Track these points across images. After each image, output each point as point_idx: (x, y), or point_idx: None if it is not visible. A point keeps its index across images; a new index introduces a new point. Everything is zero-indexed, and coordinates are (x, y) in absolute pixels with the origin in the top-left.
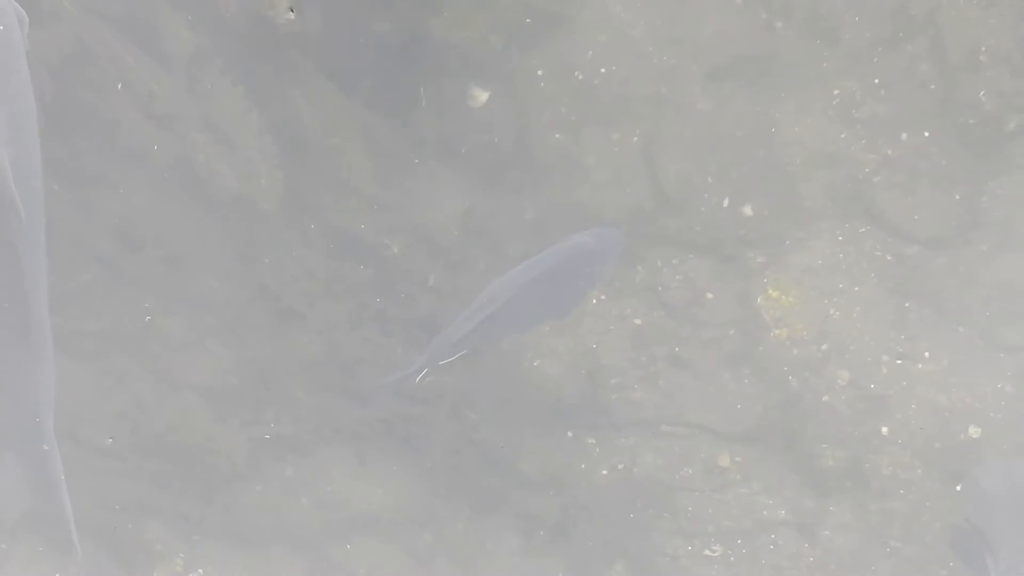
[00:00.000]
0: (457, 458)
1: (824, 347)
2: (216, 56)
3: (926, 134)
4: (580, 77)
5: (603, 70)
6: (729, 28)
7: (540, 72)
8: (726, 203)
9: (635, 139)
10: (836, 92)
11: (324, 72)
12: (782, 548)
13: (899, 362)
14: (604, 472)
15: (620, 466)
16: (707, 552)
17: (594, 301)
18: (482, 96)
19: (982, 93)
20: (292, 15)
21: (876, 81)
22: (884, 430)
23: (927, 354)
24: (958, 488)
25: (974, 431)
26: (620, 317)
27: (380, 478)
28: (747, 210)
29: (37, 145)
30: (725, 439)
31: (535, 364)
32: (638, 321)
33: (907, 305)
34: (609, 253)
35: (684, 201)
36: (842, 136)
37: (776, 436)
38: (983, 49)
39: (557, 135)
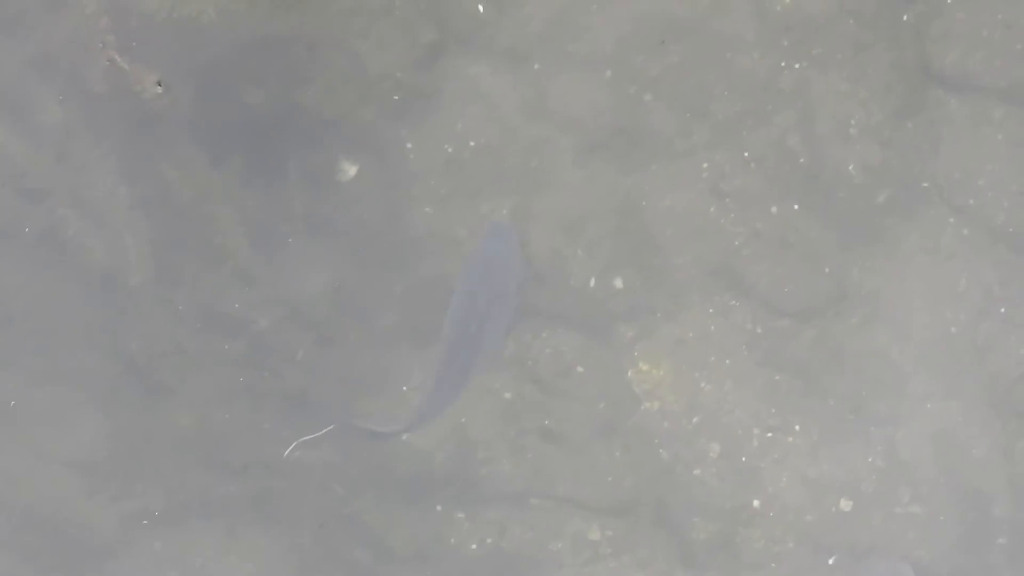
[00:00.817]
0: (326, 532)
1: (695, 420)
2: (85, 131)
3: (796, 207)
4: (449, 150)
5: (472, 143)
6: (599, 101)
7: (409, 145)
8: (594, 278)
9: (505, 211)
10: (705, 165)
11: (194, 145)
12: None
13: (770, 435)
14: (473, 546)
15: (488, 540)
16: None
17: None
18: (351, 170)
19: (851, 166)
20: (160, 89)
21: (745, 154)
22: (755, 503)
23: (798, 427)
24: (830, 561)
25: (845, 504)
26: (489, 391)
27: (250, 552)
28: (618, 283)
29: None
30: (595, 512)
31: (404, 438)
32: (507, 395)
33: (777, 378)
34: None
35: (554, 274)
36: (712, 209)
37: (647, 509)
38: (852, 122)
39: (427, 208)
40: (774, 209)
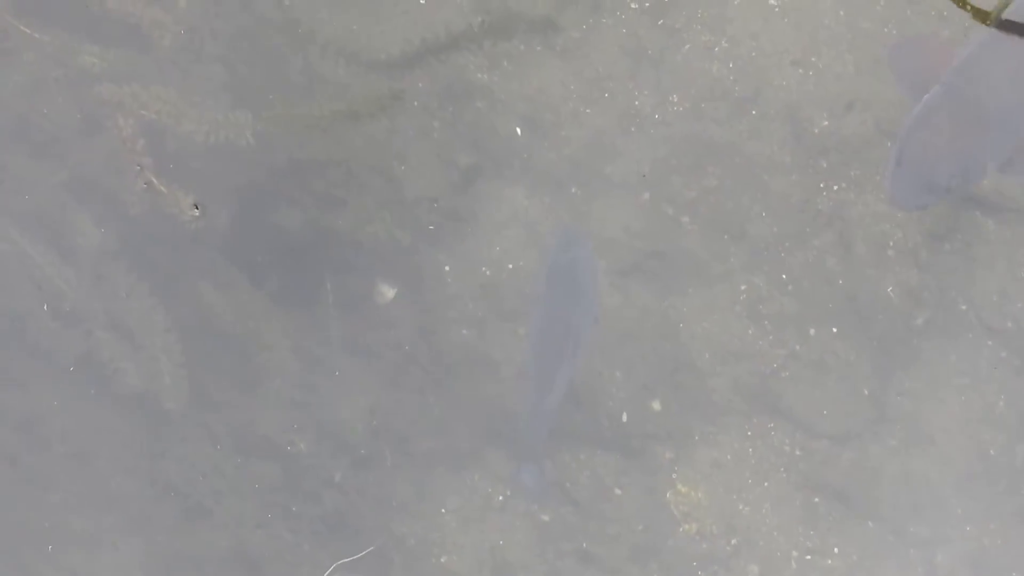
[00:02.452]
0: None
1: (733, 542)
2: (122, 253)
3: (834, 329)
4: (487, 273)
5: (510, 266)
6: (635, 224)
7: (447, 268)
8: (632, 401)
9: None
10: (743, 288)
11: (230, 267)
12: None
13: (808, 557)
14: None
15: None
16: None
17: (500, 498)
18: (389, 293)
19: (890, 288)
20: (196, 212)
21: (783, 276)
22: None
23: (836, 549)
24: None
25: None
26: (527, 514)
27: None
28: (655, 405)
29: None
30: None
31: (441, 560)
32: (545, 517)
33: (816, 500)
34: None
35: (591, 396)
36: (749, 332)
37: None
38: (890, 244)
39: (464, 331)
40: (812, 331)
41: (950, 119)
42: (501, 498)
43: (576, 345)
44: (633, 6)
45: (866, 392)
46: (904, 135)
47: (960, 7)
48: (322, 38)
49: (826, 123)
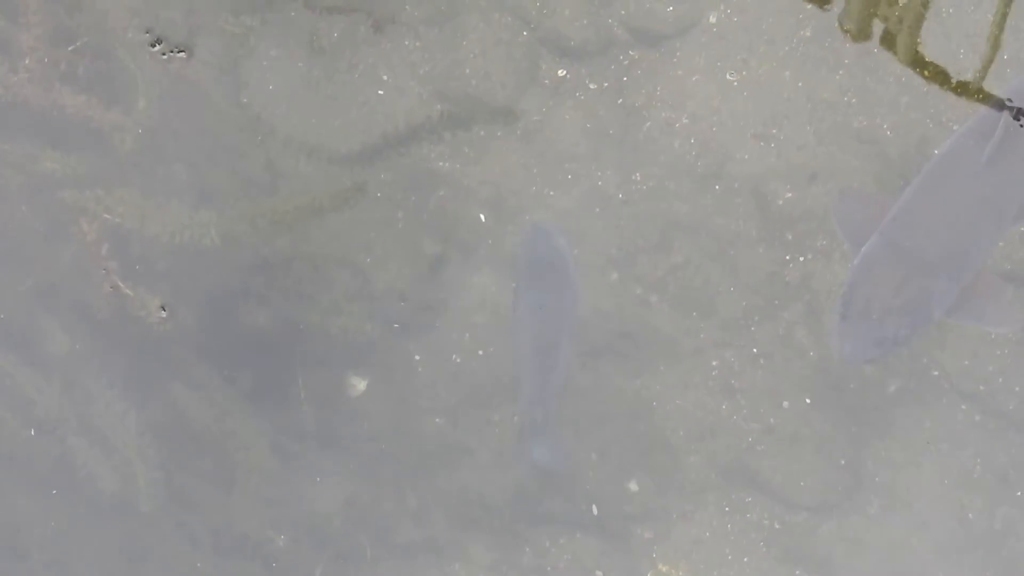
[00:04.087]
0: None
1: None
2: (91, 358)
3: (807, 400)
4: (458, 360)
5: (480, 352)
6: (604, 305)
7: (417, 357)
8: (608, 482)
9: (515, 419)
10: (715, 363)
11: (201, 367)
12: None
13: None
14: None
15: None
16: None
17: None
18: (360, 385)
19: None
20: (164, 313)
21: (754, 350)
22: None
23: None
24: None
25: None
26: None
27: None
28: (632, 485)
29: None
30: None
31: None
32: None
33: (797, 573)
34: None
35: (568, 479)
36: (723, 407)
37: None
38: None
39: (437, 419)
40: (786, 404)
41: (891, 269)
42: None
43: (571, 324)
44: (592, 86)
45: (843, 462)
46: (847, 289)
47: (918, 73)
48: (282, 134)
49: (790, 195)
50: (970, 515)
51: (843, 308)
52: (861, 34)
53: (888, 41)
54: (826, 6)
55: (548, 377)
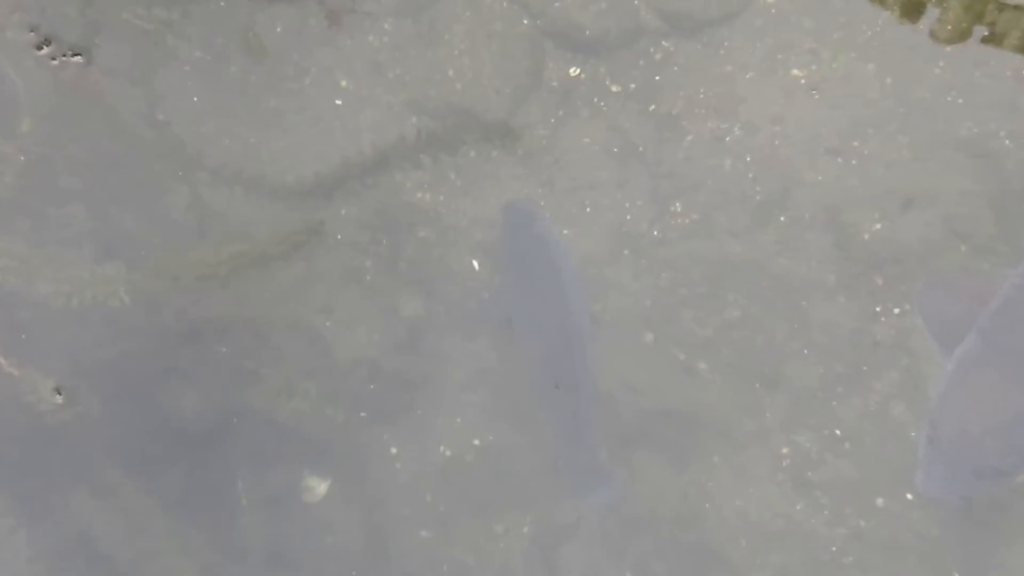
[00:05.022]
0: None
1: None
2: None
3: (908, 496)
4: (447, 453)
5: (476, 441)
6: (637, 377)
7: (394, 450)
8: None
9: (526, 529)
10: (785, 451)
11: (110, 469)
12: None
13: None
14: None
15: None
16: None
17: None
18: (320, 487)
19: None
20: (60, 398)
21: (837, 432)
22: None
23: None
24: None
25: None
26: None
27: None
28: None
29: None
30: None
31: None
32: None
33: None
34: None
35: None
36: (797, 507)
37: None
38: None
39: (423, 532)
40: (880, 502)
41: (992, 378)
42: None
43: (580, 336)
44: (614, 89)
45: (956, 575)
46: (936, 404)
47: None
48: (212, 160)
49: (878, 226)
50: None
51: (931, 429)
52: (960, 39)
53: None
54: None
55: (573, 413)
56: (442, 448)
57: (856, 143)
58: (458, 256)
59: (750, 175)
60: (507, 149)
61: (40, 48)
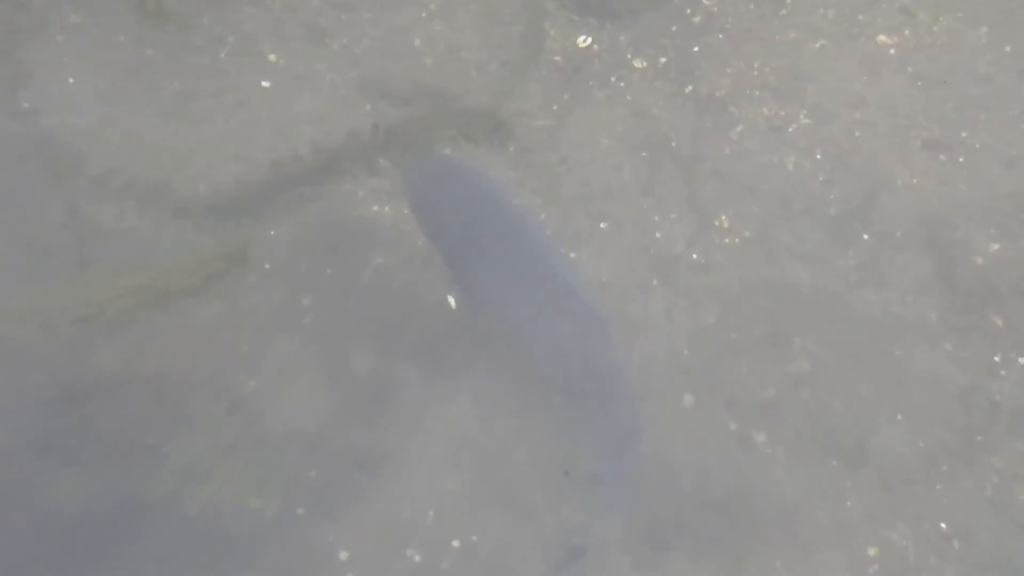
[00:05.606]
0: None
1: None
2: None
3: None
4: (417, 558)
5: (457, 542)
6: (674, 452)
7: (344, 555)
8: None
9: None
10: (872, 552)
11: None
12: None
13: None
14: None
15: None
16: None
17: None
18: None
19: None
20: None
21: (942, 526)
22: None
23: None
24: None
25: None
26: None
27: None
28: None
29: None
30: None
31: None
32: None
33: None
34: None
35: None
36: None
37: None
38: None
39: None
40: None
41: None
42: None
43: (591, 314)
44: (638, 65)
45: None
46: None
47: None
48: (96, 164)
49: (995, 247)
50: None
51: None
52: None
53: None
54: None
55: (608, 412)
56: (409, 552)
57: (964, 134)
58: (428, 289)
59: (821, 177)
60: (495, 146)
61: None
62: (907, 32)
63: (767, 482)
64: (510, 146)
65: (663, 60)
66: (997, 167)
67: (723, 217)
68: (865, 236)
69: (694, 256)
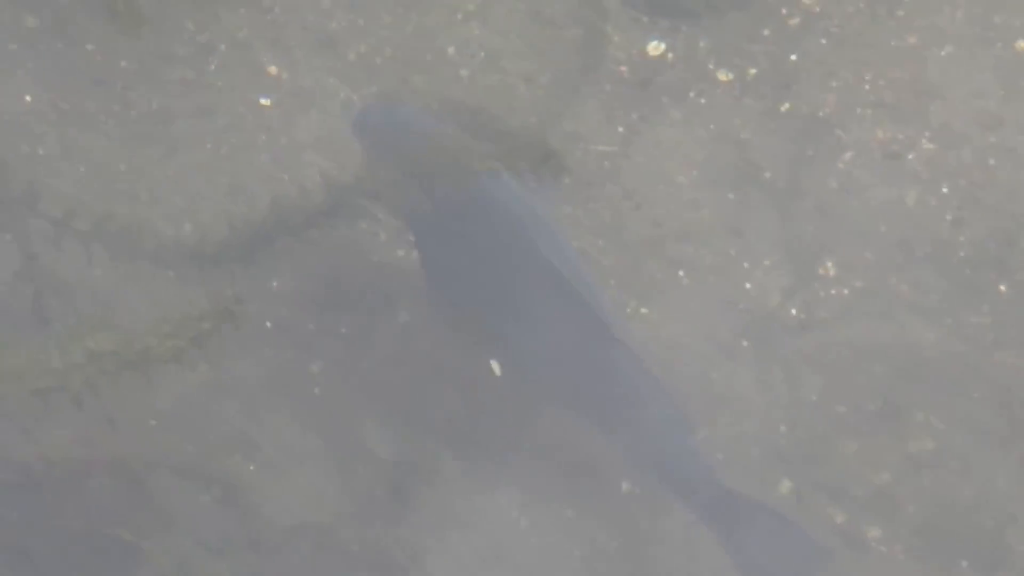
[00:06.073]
0: None
1: None
2: None
3: None
4: None
5: None
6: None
7: None
8: None
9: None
10: None
11: None
12: None
13: None
14: None
15: None
16: None
17: None
18: None
19: None
20: None
21: None
22: None
23: None
24: None
25: None
26: None
27: None
28: None
29: None
30: None
31: None
32: None
33: None
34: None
35: None
36: None
37: None
38: None
39: None
40: None
41: None
42: None
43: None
44: (723, 76)
45: None
46: None
47: None
48: (56, 201)
49: None
50: None
51: None
52: None
53: None
54: None
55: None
56: None
57: None
58: (463, 352)
59: (948, 216)
60: (545, 176)
61: None
62: None
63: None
64: (564, 177)
65: (753, 71)
66: None
67: (828, 264)
68: (1002, 287)
69: (792, 312)
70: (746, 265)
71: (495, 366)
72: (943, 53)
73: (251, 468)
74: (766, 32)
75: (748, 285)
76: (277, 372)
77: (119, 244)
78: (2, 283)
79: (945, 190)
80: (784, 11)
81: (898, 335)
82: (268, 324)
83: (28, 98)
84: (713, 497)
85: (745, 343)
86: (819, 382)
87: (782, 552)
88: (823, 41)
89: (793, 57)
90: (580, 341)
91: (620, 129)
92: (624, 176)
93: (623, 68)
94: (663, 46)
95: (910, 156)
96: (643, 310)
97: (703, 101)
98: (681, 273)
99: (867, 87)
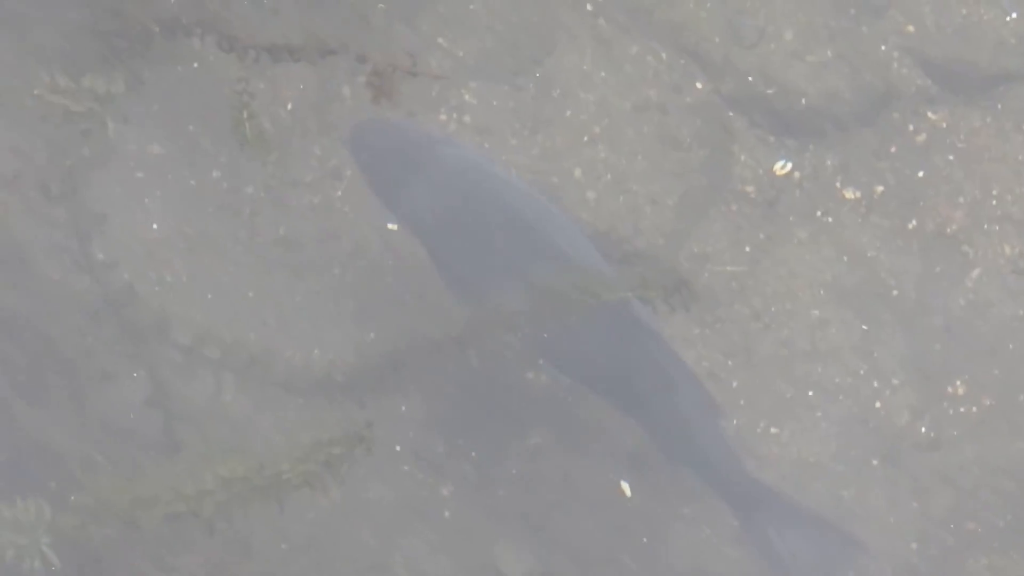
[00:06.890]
0: None
1: None
2: None
3: None
4: None
5: None
6: None
7: None
8: None
9: None
10: None
11: None
12: None
13: None
14: None
15: None
16: None
17: None
18: None
19: None
20: None
21: None
22: None
23: None
24: None
25: None
26: None
27: None
28: None
29: None
30: None
31: None
32: None
33: None
34: None
35: None
36: None
37: None
38: None
39: None
40: None
41: None
42: None
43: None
44: (850, 195)
45: None
46: None
47: None
48: (186, 329)
49: None
50: None
51: None
52: None
53: None
54: None
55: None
56: None
57: None
58: (595, 472)
59: None
60: (673, 299)
61: None
62: None
63: None
64: (692, 298)
65: (880, 189)
66: None
67: (957, 383)
68: None
69: (922, 430)
70: (875, 384)
71: (625, 487)
72: None
73: None
74: (893, 149)
75: (877, 404)
76: (408, 496)
77: (248, 371)
78: (133, 410)
79: None
80: (911, 127)
81: None
82: (398, 448)
83: (155, 226)
84: (743, 487)
85: (875, 461)
86: (949, 500)
87: (815, 548)
88: (950, 157)
89: (920, 174)
90: (613, 331)
91: (747, 249)
92: (752, 296)
93: (750, 188)
94: (790, 165)
95: None
96: (773, 430)
97: (830, 220)
98: (811, 393)
99: (994, 202)
